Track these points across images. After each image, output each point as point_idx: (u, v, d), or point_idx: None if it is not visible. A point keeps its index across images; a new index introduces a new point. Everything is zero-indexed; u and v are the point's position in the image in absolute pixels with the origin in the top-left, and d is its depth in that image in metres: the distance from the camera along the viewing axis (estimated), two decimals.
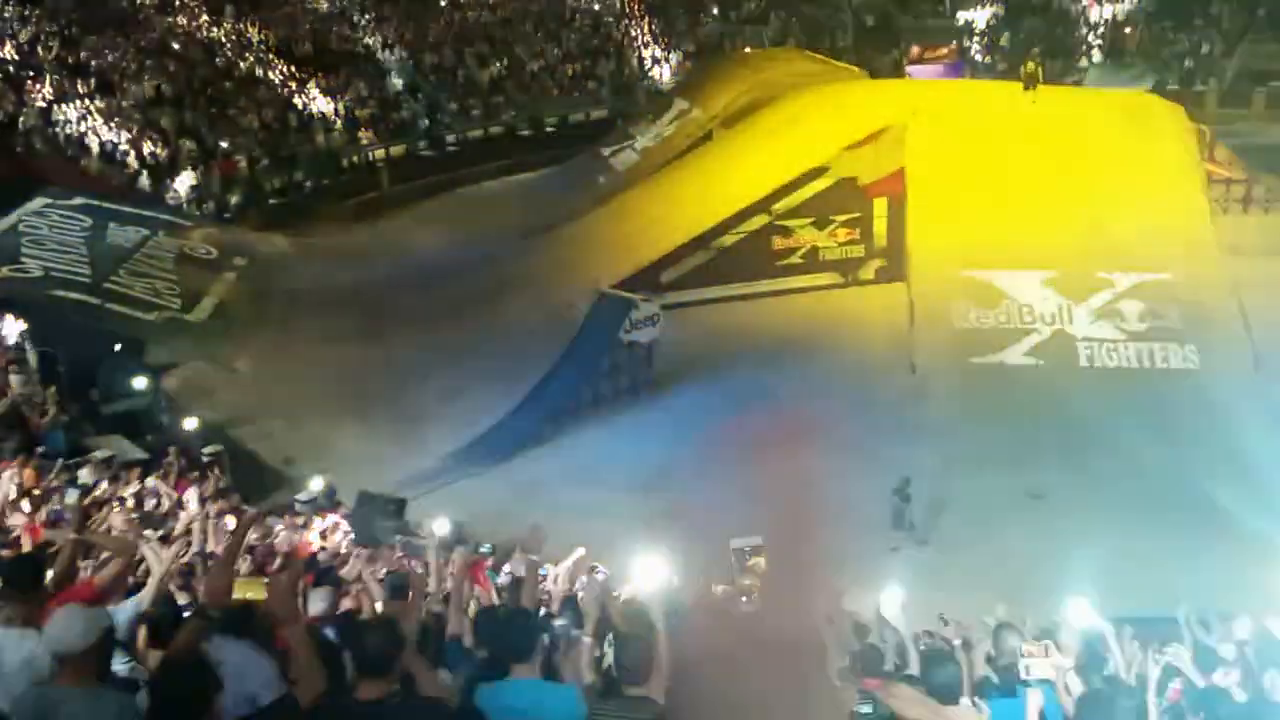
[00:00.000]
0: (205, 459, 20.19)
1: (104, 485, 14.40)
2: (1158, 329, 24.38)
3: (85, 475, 16.31)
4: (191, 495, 17.72)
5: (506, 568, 13.58)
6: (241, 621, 4.81)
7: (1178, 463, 21.34)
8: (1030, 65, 28.98)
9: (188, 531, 9.20)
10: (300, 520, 15.70)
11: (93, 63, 34.41)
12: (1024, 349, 24.56)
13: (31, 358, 20.39)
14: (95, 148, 30.39)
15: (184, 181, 29.98)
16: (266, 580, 4.38)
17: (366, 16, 40.99)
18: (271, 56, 37.62)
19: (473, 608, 7.63)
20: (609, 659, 6.55)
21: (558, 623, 7.81)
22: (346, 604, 8.10)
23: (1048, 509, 20.53)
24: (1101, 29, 41.88)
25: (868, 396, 22.92)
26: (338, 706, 3.91)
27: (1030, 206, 25.57)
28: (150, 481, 17.94)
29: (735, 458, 21.62)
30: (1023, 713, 5.40)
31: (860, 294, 25.59)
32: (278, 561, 9.89)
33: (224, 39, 38.17)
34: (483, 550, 11.25)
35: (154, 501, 15.41)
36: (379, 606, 7.72)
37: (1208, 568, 17.43)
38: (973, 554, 19.23)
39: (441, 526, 17.57)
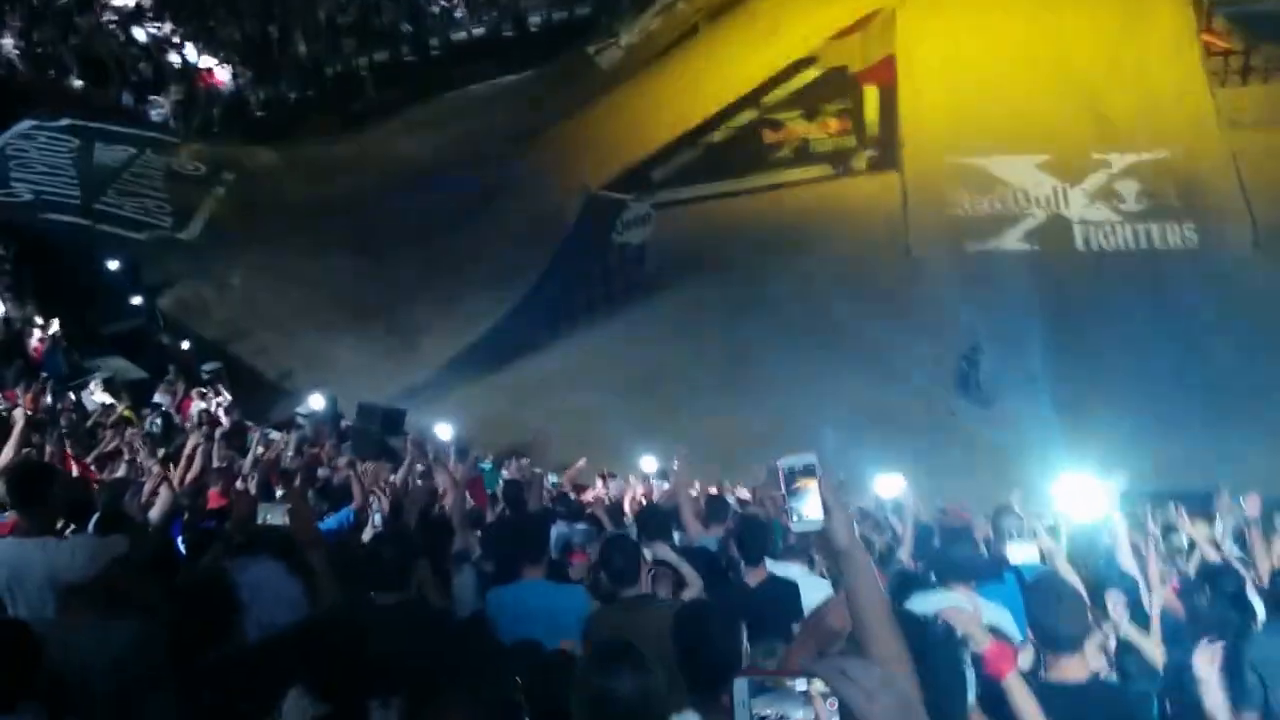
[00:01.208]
0: (205, 376, 20.43)
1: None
2: (1156, 208, 24.20)
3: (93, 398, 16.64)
4: (194, 412, 18.15)
5: (504, 472, 13.74)
6: (266, 544, 4.77)
7: (1178, 342, 21.44)
8: None
9: (194, 449, 9.28)
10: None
11: None
12: (1019, 234, 24.43)
13: (26, 283, 20.49)
14: (77, 66, 29.92)
15: (168, 97, 29.59)
16: (286, 505, 4.32)
17: None
18: None
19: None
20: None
21: (579, 527, 8.01)
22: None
23: (1046, 393, 20.68)
24: None
25: (863, 288, 22.83)
26: (355, 619, 3.88)
27: (1023, 89, 25.16)
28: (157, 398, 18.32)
29: (732, 356, 21.89)
30: (1007, 597, 5.23)
31: (853, 185, 25.27)
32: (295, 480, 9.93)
33: None
34: (482, 467, 11.40)
35: (158, 420, 15.66)
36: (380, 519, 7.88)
37: (1212, 444, 17.64)
38: (974, 439, 19.49)
39: (444, 433, 17.90)
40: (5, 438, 7.34)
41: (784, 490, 2.08)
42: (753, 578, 5.24)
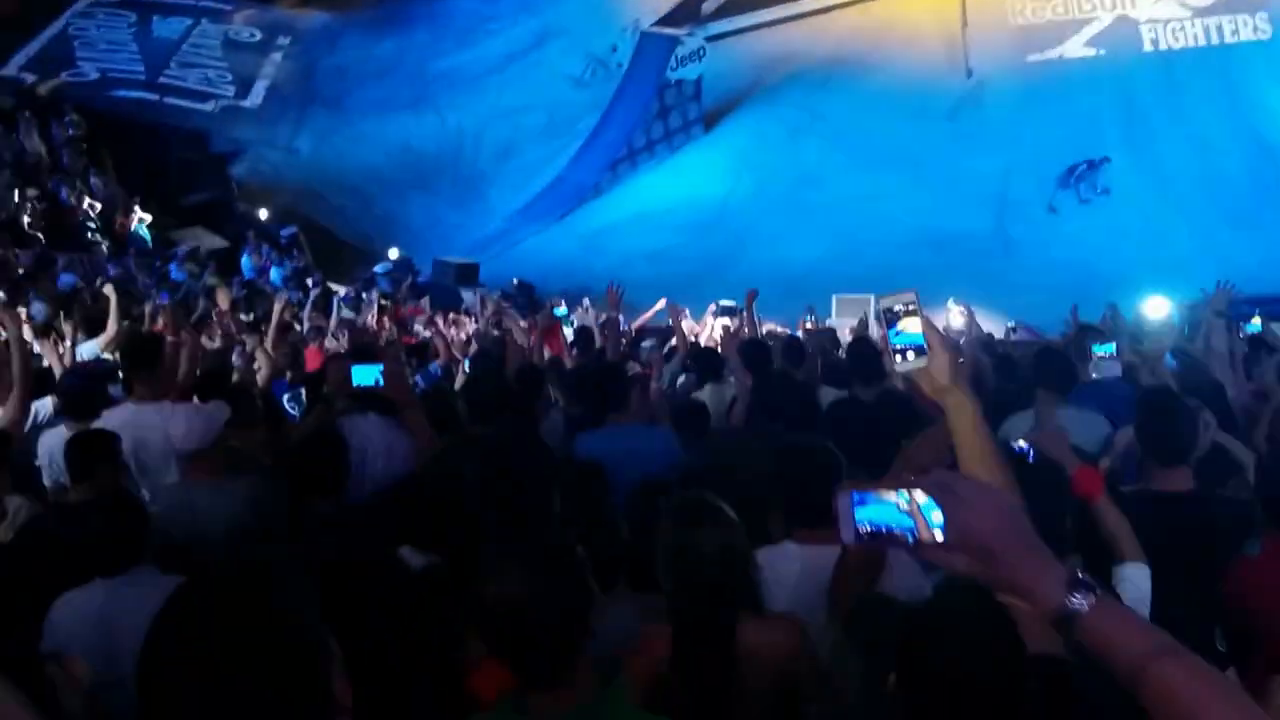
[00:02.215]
0: (283, 241, 21.09)
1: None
2: (1225, 0, 23.24)
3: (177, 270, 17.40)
4: (276, 276, 18.89)
5: (574, 318, 14.00)
6: (369, 403, 4.84)
7: (1251, 141, 20.97)
8: None
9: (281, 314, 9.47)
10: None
11: None
12: (1084, 39, 23.71)
13: (108, 161, 21.09)
14: None
15: None
16: (380, 366, 4.35)
17: None
18: None
19: None
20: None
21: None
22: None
23: (1115, 204, 20.51)
24: None
25: (923, 108, 22.56)
26: (451, 470, 3.80)
27: None
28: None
29: (795, 181, 21.88)
30: (1093, 412, 5.08)
31: (908, 1, 24.52)
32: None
33: None
34: (557, 314, 11.70)
35: (242, 289, 16.42)
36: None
37: None
38: (1044, 254, 19.51)
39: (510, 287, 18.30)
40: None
41: (885, 330, 2.04)
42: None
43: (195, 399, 4.83)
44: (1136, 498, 3.52)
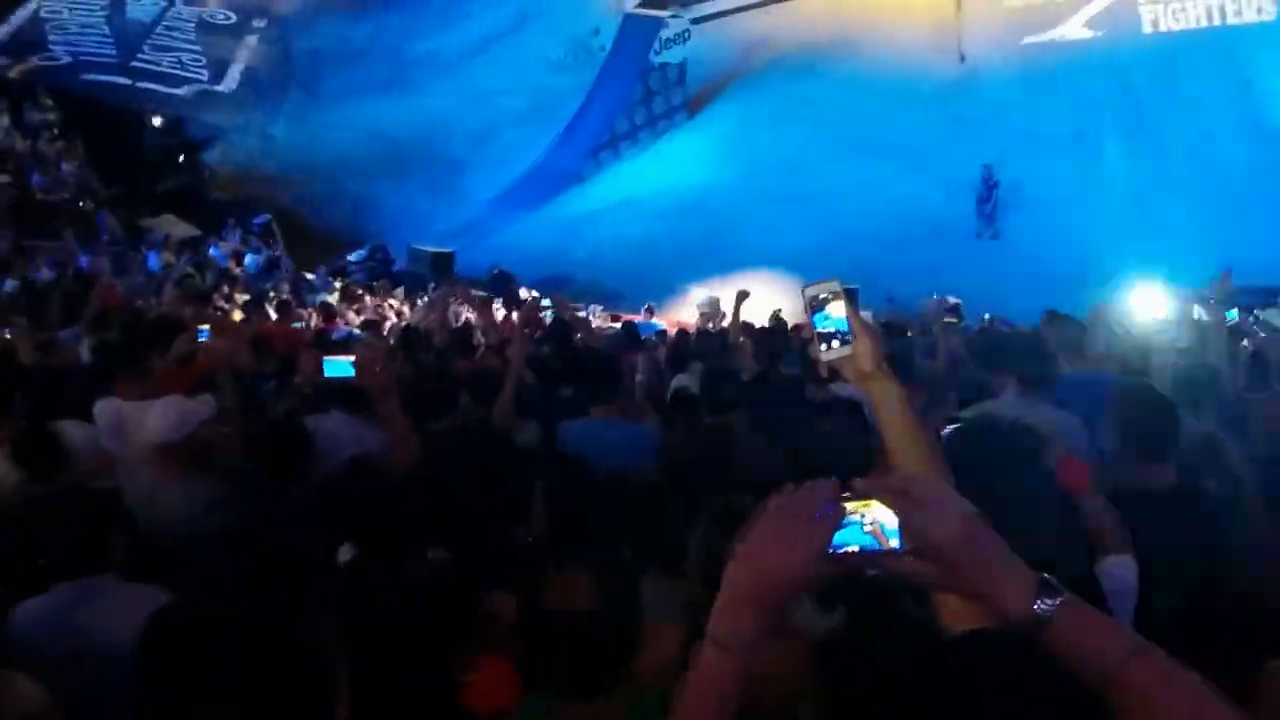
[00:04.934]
0: (256, 229, 20.66)
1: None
2: None
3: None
4: (251, 264, 18.48)
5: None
6: (334, 398, 4.83)
7: (1253, 128, 20.35)
8: None
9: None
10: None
11: None
12: (1082, 20, 22.98)
13: (80, 146, 20.68)
14: None
15: None
16: (354, 359, 4.26)
17: None
18: None
19: None
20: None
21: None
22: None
23: (1113, 192, 19.91)
24: None
25: (915, 92, 21.91)
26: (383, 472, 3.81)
27: None
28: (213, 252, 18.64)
29: (781, 167, 21.33)
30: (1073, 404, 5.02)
31: None
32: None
33: None
34: (545, 304, 11.34)
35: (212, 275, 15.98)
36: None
37: None
38: (1035, 244, 18.97)
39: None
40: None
41: (810, 317, 2.03)
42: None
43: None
44: (1117, 493, 3.38)
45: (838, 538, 1.32)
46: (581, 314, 12.19)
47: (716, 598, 1.39)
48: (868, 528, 1.33)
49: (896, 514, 1.30)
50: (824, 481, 1.34)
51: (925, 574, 1.31)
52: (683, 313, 17.18)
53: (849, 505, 1.33)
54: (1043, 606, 1.23)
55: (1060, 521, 2.77)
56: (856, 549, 1.32)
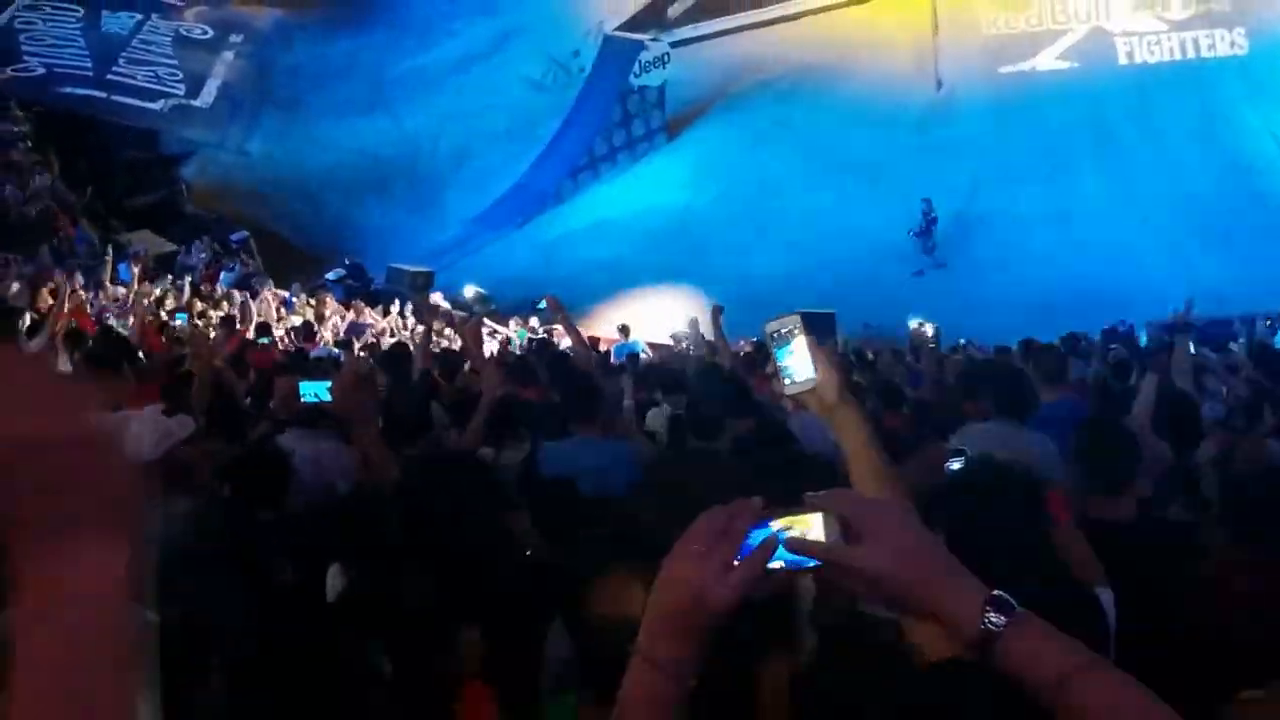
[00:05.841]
0: (233, 246, 20.48)
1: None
2: (1203, 14, 22.84)
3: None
4: (226, 281, 18.31)
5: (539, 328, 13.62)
6: (311, 421, 4.70)
7: (1225, 162, 20.61)
8: None
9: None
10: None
11: None
12: (1057, 51, 23.30)
13: (54, 159, 20.48)
14: None
15: None
16: (330, 383, 4.17)
17: None
18: None
19: None
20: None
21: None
22: None
23: (1083, 223, 20.09)
24: None
25: (891, 118, 22.06)
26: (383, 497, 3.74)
27: None
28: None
29: (759, 191, 21.40)
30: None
31: (878, 9, 23.93)
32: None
33: None
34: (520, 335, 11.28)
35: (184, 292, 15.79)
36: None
37: (1261, 266, 17.05)
38: (1002, 274, 19.07)
39: (470, 293, 17.86)
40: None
41: (772, 352, 2.05)
42: None
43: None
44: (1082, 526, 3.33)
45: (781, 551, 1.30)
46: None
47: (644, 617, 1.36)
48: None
49: (840, 529, 1.25)
50: (747, 500, 1.28)
51: (869, 591, 1.27)
52: (656, 332, 17.14)
53: (780, 521, 1.29)
54: (989, 622, 1.19)
55: (1057, 556, 2.83)
56: (781, 565, 1.28)
